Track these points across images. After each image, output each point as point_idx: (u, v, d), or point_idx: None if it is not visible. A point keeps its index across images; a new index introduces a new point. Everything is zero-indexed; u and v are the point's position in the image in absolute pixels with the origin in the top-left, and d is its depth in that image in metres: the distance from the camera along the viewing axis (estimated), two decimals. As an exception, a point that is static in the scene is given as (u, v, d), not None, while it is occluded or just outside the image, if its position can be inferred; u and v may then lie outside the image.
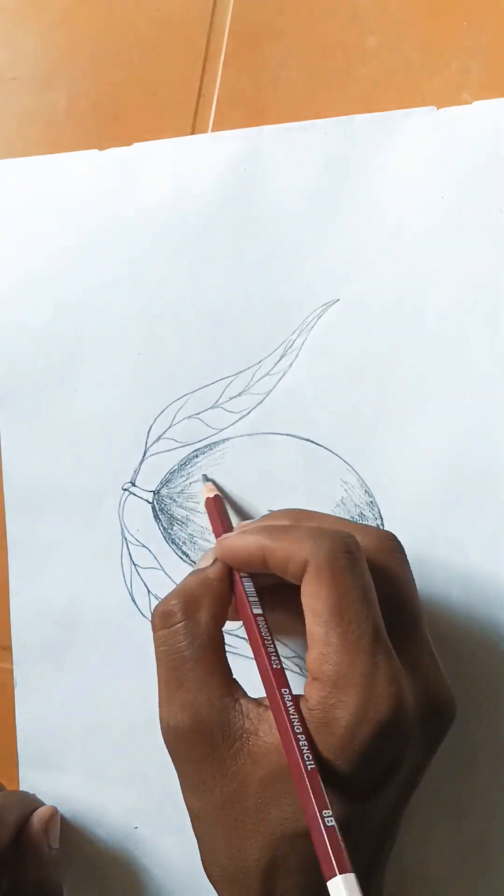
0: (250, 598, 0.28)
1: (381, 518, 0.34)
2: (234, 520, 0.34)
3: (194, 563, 0.35)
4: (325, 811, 0.23)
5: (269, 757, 0.25)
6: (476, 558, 0.33)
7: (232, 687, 0.27)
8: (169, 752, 0.27)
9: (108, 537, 0.36)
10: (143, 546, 0.35)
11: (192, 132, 0.37)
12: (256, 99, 0.37)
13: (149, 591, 0.35)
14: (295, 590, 0.27)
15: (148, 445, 0.36)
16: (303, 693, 0.26)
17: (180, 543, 0.35)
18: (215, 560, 0.29)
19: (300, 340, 0.35)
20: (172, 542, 0.35)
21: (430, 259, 0.34)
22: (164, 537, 0.35)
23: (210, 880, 0.28)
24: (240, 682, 0.27)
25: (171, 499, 0.35)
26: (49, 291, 0.37)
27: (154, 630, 0.28)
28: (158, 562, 0.35)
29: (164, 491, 0.35)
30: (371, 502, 0.34)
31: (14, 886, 0.34)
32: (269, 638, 0.27)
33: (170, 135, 0.37)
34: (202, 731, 0.26)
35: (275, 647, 0.27)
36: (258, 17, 0.38)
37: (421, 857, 0.33)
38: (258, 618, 0.28)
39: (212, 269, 0.35)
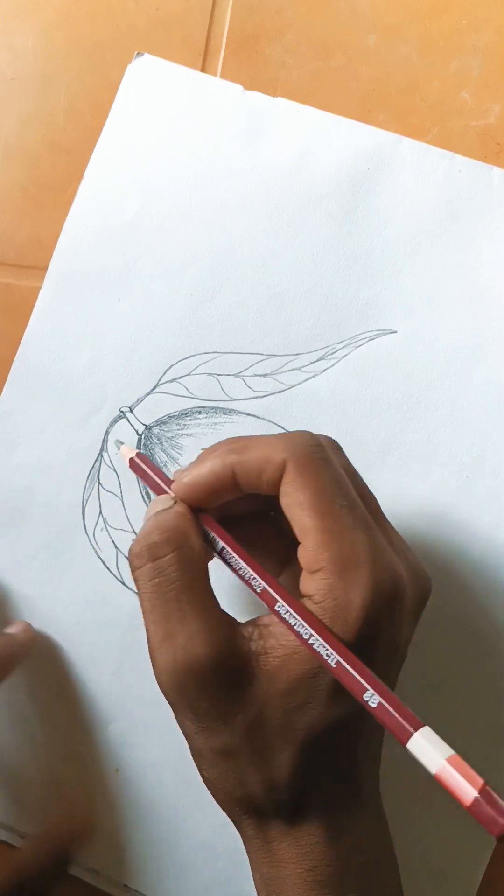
0: (217, 529, 0.28)
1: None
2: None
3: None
4: (375, 686, 0.23)
5: (286, 670, 0.25)
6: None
7: (228, 615, 0.27)
8: (176, 695, 0.26)
9: (87, 446, 0.36)
10: (114, 470, 0.36)
11: None
12: None
13: (100, 513, 0.36)
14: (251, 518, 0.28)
15: (160, 382, 0.36)
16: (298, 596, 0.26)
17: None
18: (175, 502, 0.28)
19: (343, 352, 0.35)
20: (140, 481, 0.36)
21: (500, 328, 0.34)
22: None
23: (232, 813, 0.28)
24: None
25: (158, 439, 0.36)
26: (138, 195, 0.37)
27: (138, 566, 0.27)
28: (121, 490, 0.36)
29: (155, 429, 0.36)
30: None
31: None
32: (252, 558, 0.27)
33: None
34: (216, 661, 0.25)
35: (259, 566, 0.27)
36: (258, 16, 0.38)
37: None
38: (234, 541, 0.27)
39: (294, 246, 0.36)
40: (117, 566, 0.35)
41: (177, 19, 0.39)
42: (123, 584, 0.35)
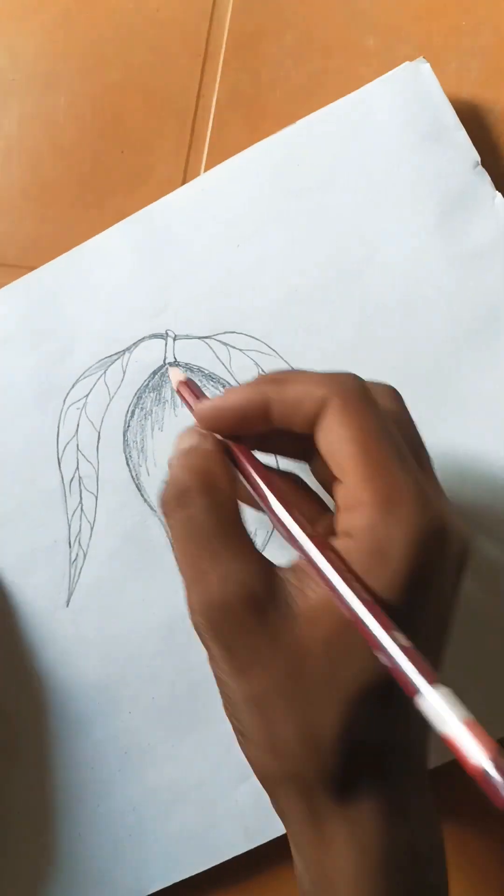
0: (255, 464, 0.26)
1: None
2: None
3: (130, 426, 0.36)
4: (393, 631, 0.21)
5: (328, 611, 0.23)
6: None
7: (263, 557, 0.25)
8: (210, 634, 0.24)
9: (121, 337, 0.36)
10: (123, 372, 0.36)
11: (192, 132, 0.38)
12: (256, 99, 0.38)
13: (86, 396, 0.36)
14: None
15: (214, 335, 0.36)
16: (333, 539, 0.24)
17: (138, 408, 0.36)
18: (203, 435, 0.27)
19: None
20: (137, 399, 0.36)
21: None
22: (139, 389, 0.36)
23: (267, 779, 0.25)
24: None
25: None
26: (323, 170, 0.37)
27: (169, 513, 0.25)
28: (115, 391, 0.36)
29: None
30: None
31: None
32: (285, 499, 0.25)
33: (170, 134, 0.38)
34: (250, 599, 0.24)
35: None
36: (258, 17, 0.39)
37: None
38: (273, 478, 0.26)
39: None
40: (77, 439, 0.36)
41: (177, 19, 0.39)
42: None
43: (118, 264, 0.37)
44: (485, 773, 0.19)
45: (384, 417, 0.25)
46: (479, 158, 0.36)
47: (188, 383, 0.29)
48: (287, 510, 0.25)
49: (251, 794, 0.33)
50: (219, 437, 0.26)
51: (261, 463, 0.26)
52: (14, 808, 0.35)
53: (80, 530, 0.36)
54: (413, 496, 0.23)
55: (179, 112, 0.38)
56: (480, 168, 0.36)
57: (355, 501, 0.23)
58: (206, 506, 0.25)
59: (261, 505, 0.26)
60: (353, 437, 0.24)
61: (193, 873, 0.34)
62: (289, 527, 0.24)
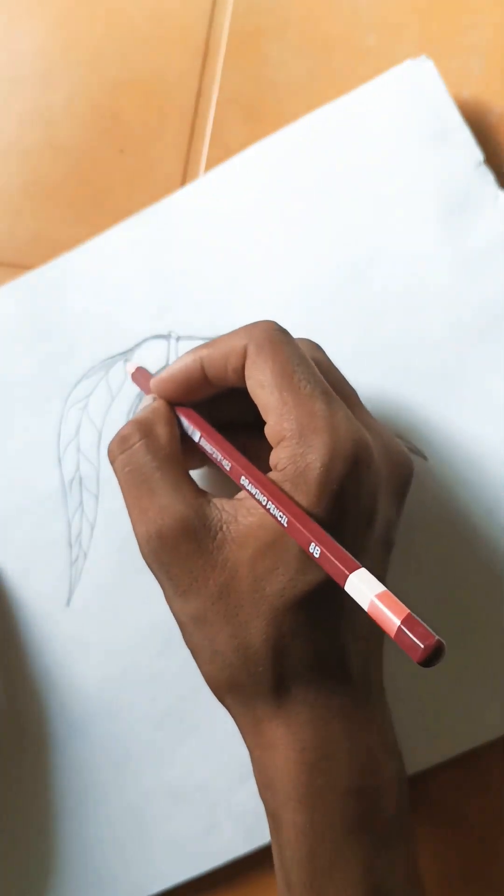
0: (194, 418, 0.30)
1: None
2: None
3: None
4: (319, 532, 0.24)
5: (254, 536, 0.26)
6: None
7: (201, 490, 0.28)
8: (154, 564, 0.28)
9: (127, 335, 0.36)
10: (124, 362, 0.36)
11: (192, 131, 0.38)
12: (256, 98, 0.38)
13: (88, 396, 0.36)
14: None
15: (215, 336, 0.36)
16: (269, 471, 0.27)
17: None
18: (154, 399, 0.30)
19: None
20: (139, 399, 0.36)
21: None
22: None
23: (217, 691, 0.28)
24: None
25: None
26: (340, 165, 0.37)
27: (113, 459, 0.29)
28: (118, 390, 0.36)
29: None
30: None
31: None
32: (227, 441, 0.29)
33: (170, 134, 0.38)
34: (184, 527, 0.27)
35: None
36: (258, 16, 0.39)
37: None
38: (210, 428, 0.29)
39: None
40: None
41: (177, 19, 0.39)
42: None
43: (120, 264, 0.37)
44: (399, 632, 0.21)
45: (296, 354, 0.27)
46: (482, 157, 0.35)
47: (140, 370, 0.33)
48: (221, 447, 0.28)
49: (252, 796, 0.33)
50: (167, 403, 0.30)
51: (205, 422, 0.29)
52: (14, 810, 0.34)
53: (80, 530, 0.36)
54: (325, 423, 0.26)
55: (179, 112, 0.38)
56: (484, 167, 0.35)
57: (279, 437, 0.26)
58: (144, 446, 0.28)
59: (205, 452, 0.29)
60: (268, 379, 0.27)
61: (194, 875, 0.33)
62: (222, 459, 0.28)
